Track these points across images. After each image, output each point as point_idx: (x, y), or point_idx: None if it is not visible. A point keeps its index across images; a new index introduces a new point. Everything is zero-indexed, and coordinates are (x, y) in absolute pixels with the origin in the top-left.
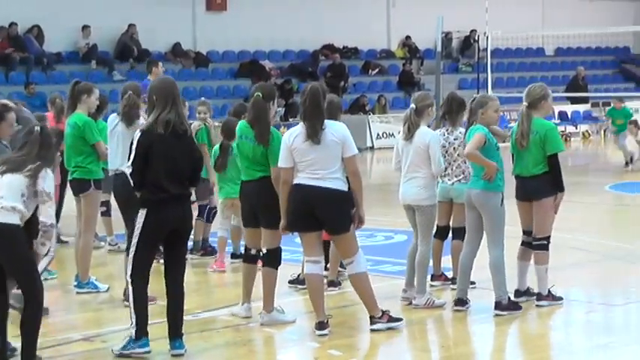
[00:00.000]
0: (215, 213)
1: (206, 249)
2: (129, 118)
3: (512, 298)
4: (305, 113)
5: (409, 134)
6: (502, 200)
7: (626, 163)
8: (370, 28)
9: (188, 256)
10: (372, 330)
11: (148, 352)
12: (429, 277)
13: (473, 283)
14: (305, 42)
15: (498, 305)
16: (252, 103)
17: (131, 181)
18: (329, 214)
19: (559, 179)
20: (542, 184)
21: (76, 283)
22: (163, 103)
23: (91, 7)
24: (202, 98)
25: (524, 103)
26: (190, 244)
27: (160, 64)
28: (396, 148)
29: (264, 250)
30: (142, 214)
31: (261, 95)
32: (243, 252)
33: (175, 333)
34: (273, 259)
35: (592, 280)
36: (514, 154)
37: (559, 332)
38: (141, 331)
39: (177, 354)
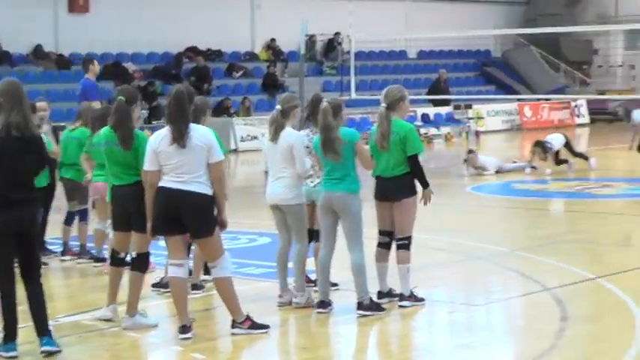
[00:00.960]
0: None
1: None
2: None
3: (375, 299)
4: (170, 116)
5: (275, 135)
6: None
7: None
8: (234, 31)
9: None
10: (232, 334)
11: (15, 356)
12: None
13: (336, 284)
14: (168, 44)
15: (360, 306)
16: (115, 108)
17: None
18: (192, 217)
19: (422, 178)
20: (403, 184)
21: None
22: (9, 106)
23: None
24: (41, 97)
25: (383, 105)
26: (60, 248)
27: (96, 61)
28: (263, 150)
29: (134, 254)
30: None
31: (124, 99)
32: (108, 255)
33: (42, 331)
34: (141, 263)
35: (454, 280)
36: (373, 156)
37: (422, 332)
38: (8, 336)
39: (49, 350)
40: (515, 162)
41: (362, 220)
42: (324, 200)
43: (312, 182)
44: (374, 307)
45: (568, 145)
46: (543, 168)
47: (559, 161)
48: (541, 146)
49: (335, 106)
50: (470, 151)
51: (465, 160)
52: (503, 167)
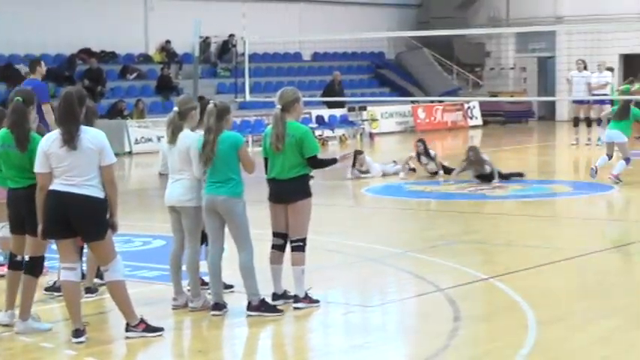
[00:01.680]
0: None
1: None
2: None
3: (270, 301)
4: (60, 118)
5: (173, 138)
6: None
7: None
8: (128, 32)
9: None
10: (127, 337)
11: None
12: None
13: (231, 286)
14: (61, 46)
15: (250, 306)
16: (11, 109)
17: None
18: (83, 221)
19: (328, 163)
20: (299, 186)
21: None
22: None
23: None
24: None
25: (278, 106)
26: None
27: (43, 62)
28: (162, 152)
29: (27, 258)
30: None
31: (21, 100)
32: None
33: None
34: (34, 267)
35: (349, 281)
36: (268, 158)
37: (317, 334)
38: None
39: None
40: (394, 162)
41: (248, 221)
42: (208, 203)
43: None
44: (263, 307)
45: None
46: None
47: (445, 169)
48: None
49: (220, 108)
50: (358, 152)
51: (353, 164)
52: (387, 170)
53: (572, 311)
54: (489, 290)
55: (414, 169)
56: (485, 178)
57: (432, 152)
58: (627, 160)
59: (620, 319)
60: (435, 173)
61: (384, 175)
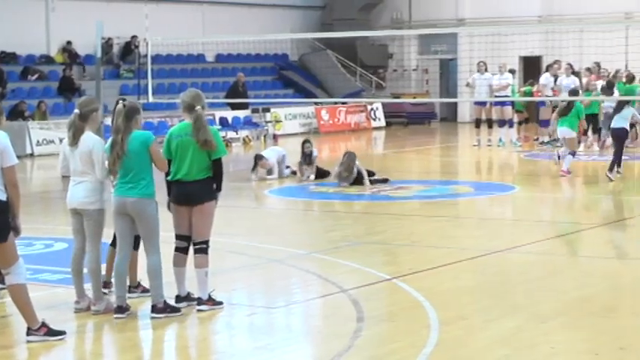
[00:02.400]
0: None
1: None
2: None
3: (174, 303)
4: None
5: (74, 140)
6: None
7: None
8: (29, 33)
9: None
10: (28, 341)
11: None
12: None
13: (148, 290)
14: None
15: (154, 309)
16: None
17: None
18: None
19: (221, 182)
20: (205, 188)
21: None
22: None
23: None
24: None
25: (197, 108)
26: None
27: None
28: (62, 154)
29: None
30: None
31: None
32: None
33: None
34: None
35: (253, 283)
36: (174, 159)
37: (221, 336)
38: None
39: None
40: (288, 167)
41: (159, 223)
42: (118, 205)
43: None
44: (168, 309)
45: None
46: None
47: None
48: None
49: (129, 108)
50: (258, 157)
51: (254, 167)
52: (283, 172)
53: (474, 311)
54: (393, 290)
55: (294, 172)
56: (358, 182)
57: (315, 153)
58: (573, 153)
59: (521, 318)
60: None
61: (280, 177)
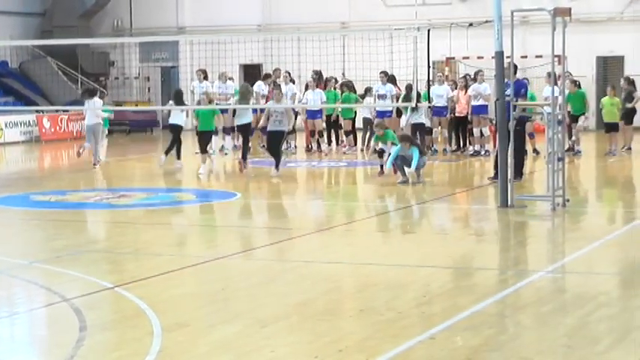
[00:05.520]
0: None
1: None
2: None
3: None
4: None
5: None
6: None
7: None
8: None
9: None
10: None
11: None
12: None
13: None
14: None
15: None
16: None
17: None
18: None
19: None
20: None
21: None
22: None
23: None
24: None
25: None
26: None
27: None
28: None
29: None
30: None
31: None
32: None
33: None
34: None
35: None
36: None
37: None
38: None
39: None
40: None
41: None
42: None
43: None
44: None
45: None
46: None
47: None
48: None
49: None
50: None
51: None
52: None
53: (197, 317)
54: (115, 299)
55: None
56: None
57: None
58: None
59: (242, 323)
60: None
61: None
